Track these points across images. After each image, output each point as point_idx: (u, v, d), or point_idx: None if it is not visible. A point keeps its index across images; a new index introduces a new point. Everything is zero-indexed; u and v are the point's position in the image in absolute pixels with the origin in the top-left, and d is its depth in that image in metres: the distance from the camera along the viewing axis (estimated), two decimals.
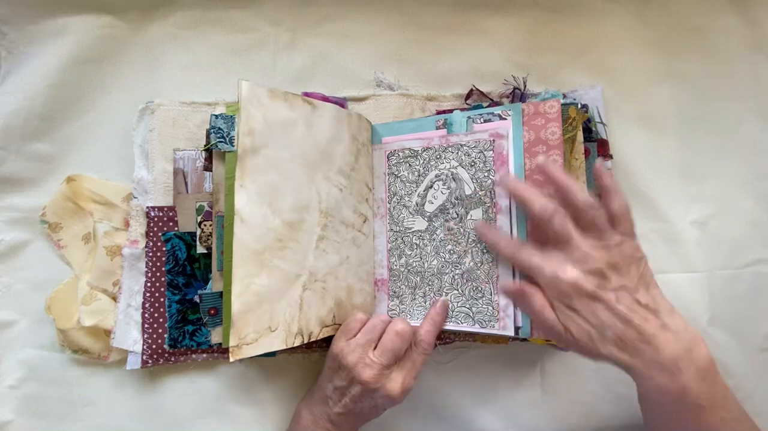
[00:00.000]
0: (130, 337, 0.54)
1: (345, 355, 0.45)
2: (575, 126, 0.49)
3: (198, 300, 0.48)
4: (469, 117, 0.50)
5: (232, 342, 0.42)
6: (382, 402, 0.46)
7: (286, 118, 0.46)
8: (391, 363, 0.45)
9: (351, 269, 0.50)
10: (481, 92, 0.57)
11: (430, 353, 0.47)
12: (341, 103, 0.55)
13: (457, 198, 0.49)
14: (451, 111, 0.55)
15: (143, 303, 0.54)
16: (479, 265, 0.48)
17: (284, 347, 0.45)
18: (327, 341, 0.50)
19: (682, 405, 0.39)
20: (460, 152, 0.49)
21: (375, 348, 0.45)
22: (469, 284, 0.48)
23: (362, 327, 0.47)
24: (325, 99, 0.52)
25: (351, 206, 0.50)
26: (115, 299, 0.55)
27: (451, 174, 0.50)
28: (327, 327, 0.48)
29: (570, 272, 0.40)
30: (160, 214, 0.54)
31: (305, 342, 0.46)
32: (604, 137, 0.55)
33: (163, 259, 0.54)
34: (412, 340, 0.46)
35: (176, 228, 0.54)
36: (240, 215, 0.43)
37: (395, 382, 0.45)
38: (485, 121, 0.49)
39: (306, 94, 0.54)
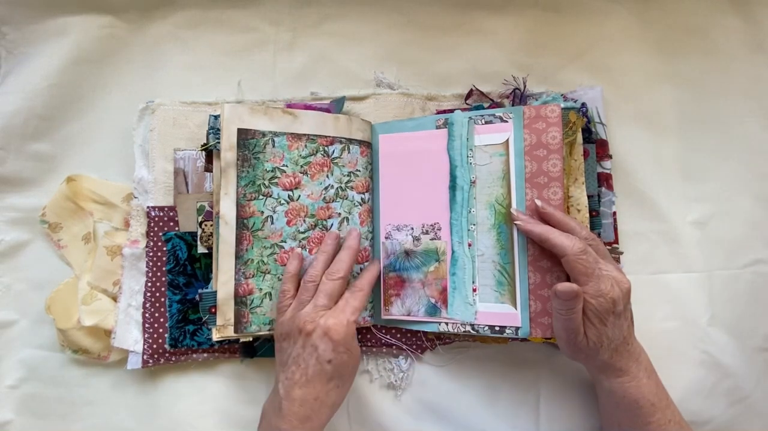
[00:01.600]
0: (131, 337, 0.54)
1: (281, 324, 0.46)
2: (575, 131, 0.49)
3: (198, 299, 0.48)
4: (470, 118, 0.50)
5: (219, 322, 0.47)
6: (323, 349, 0.43)
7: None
8: (324, 302, 0.45)
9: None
10: (481, 92, 0.57)
11: (356, 286, 0.47)
12: (327, 108, 0.55)
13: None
14: (451, 111, 0.55)
15: (144, 303, 0.54)
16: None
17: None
18: None
19: (637, 405, 0.45)
20: None
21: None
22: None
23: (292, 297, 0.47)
24: (309, 107, 0.53)
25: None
26: (115, 299, 0.55)
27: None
28: None
29: (615, 292, 0.43)
30: (161, 214, 0.54)
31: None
32: (604, 138, 0.56)
33: (164, 259, 0.54)
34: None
35: (177, 228, 0.54)
36: (224, 219, 0.47)
37: (331, 318, 0.44)
38: (486, 122, 0.50)
39: (289, 105, 0.54)
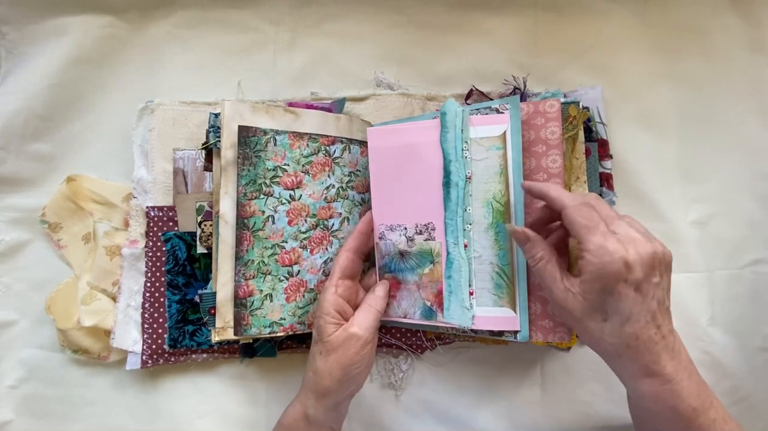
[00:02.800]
0: (130, 337, 0.54)
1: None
2: (576, 125, 0.48)
3: (198, 300, 0.48)
4: (464, 110, 0.47)
5: (218, 325, 0.46)
6: (315, 321, 0.45)
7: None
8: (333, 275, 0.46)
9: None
10: (481, 92, 0.57)
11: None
12: (329, 108, 0.55)
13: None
14: None
15: (143, 303, 0.54)
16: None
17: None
18: None
19: (675, 412, 0.37)
20: None
21: None
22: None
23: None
24: (311, 107, 0.53)
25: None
26: (114, 299, 0.55)
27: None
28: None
29: (631, 254, 0.35)
30: (160, 214, 0.54)
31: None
32: (604, 137, 0.56)
33: (163, 259, 0.54)
34: None
35: (176, 228, 0.54)
36: (224, 218, 0.46)
37: (327, 291, 0.45)
38: (482, 114, 0.47)
39: (290, 104, 0.54)
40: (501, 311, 0.46)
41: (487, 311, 0.47)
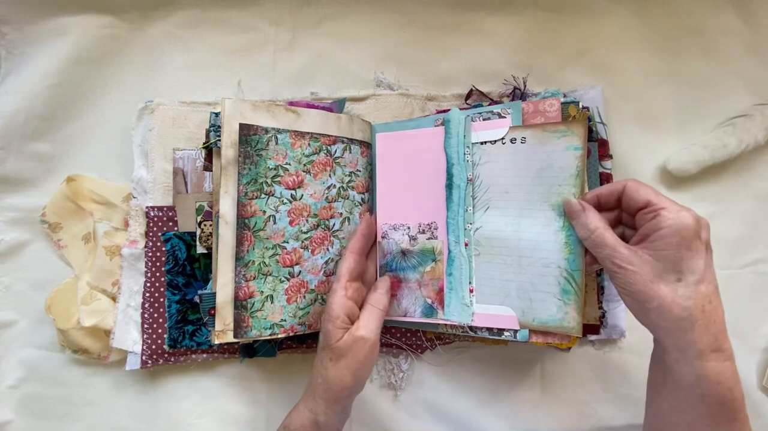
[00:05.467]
0: (130, 337, 0.54)
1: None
2: None
3: (198, 301, 0.48)
4: (467, 115, 0.49)
5: (217, 327, 0.45)
6: (324, 326, 0.44)
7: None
8: (341, 278, 0.45)
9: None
10: (481, 92, 0.57)
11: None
12: (330, 108, 0.55)
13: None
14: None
15: (143, 303, 0.54)
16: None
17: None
18: None
19: (730, 396, 0.36)
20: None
21: None
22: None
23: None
24: (311, 106, 0.53)
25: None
26: (114, 299, 0.55)
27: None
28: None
29: (700, 216, 0.37)
30: (160, 214, 0.54)
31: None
32: (604, 137, 0.55)
33: (163, 259, 0.54)
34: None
35: (176, 228, 0.54)
36: (224, 218, 0.46)
37: (336, 294, 0.44)
38: (484, 119, 0.49)
39: (291, 103, 0.54)
40: (501, 310, 0.47)
41: (487, 309, 0.48)
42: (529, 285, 0.46)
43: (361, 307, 0.46)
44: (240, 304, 0.46)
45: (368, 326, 0.44)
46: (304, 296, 0.49)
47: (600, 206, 0.43)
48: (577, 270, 0.44)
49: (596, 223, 0.40)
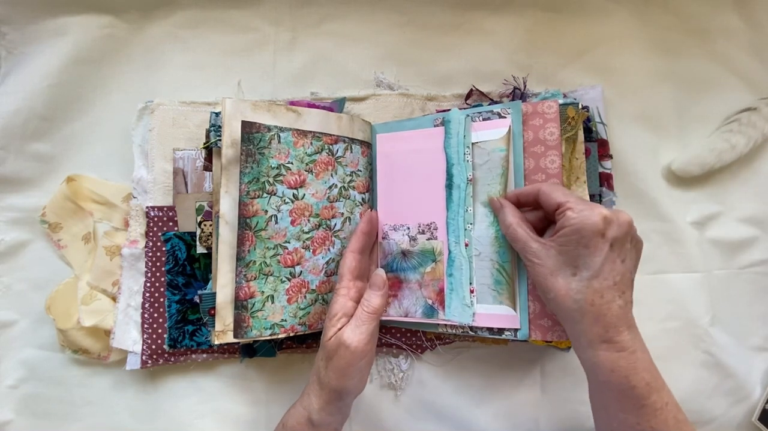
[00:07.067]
0: (130, 337, 0.54)
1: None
2: (574, 126, 0.49)
3: (198, 301, 0.48)
4: (467, 115, 0.49)
5: (217, 328, 0.45)
6: (325, 323, 0.45)
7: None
8: (343, 278, 0.46)
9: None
10: (481, 92, 0.57)
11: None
12: (330, 108, 0.55)
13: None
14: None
15: (143, 303, 0.54)
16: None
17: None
18: None
19: (629, 385, 0.38)
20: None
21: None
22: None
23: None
24: (312, 106, 0.53)
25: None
26: (114, 299, 0.55)
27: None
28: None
29: (607, 213, 0.38)
30: (160, 214, 0.54)
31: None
32: (604, 137, 0.55)
33: (163, 259, 0.54)
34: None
35: (176, 228, 0.54)
36: (224, 218, 0.46)
37: (337, 294, 0.45)
38: (484, 119, 0.49)
39: (292, 103, 0.54)
40: (501, 309, 0.47)
41: (488, 309, 0.48)
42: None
43: None
44: (240, 304, 0.46)
45: (353, 331, 0.43)
46: (305, 297, 0.49)
47: (520, 204, 0.46)
48: (507, 262, 0.47)
49: (510, 219, 0.44)
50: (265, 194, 0.47)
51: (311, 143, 0.49)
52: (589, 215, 0.38)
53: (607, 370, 0.38)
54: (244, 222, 0.46)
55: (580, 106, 0.49)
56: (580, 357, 0.41)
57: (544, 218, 0.45)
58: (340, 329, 0.44)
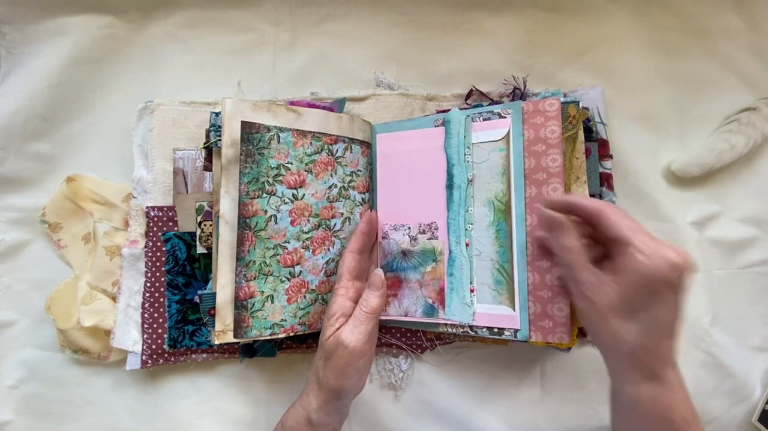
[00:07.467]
0: (130, 337, 0.54)
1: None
2: (575, 125, 0.48)
3: (198, 301, 0.48)
4: (468, 116, 0.50)
5: (217, 328, 0.45)
6: (324, 323, 0.45)
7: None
8: (342, 278, 0.46)
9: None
10: (481, 92, 0.57)
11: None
12: (330, 108, 0.55)
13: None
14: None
15: (143, 303, 0.54)
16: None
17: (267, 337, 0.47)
18: None
19: (668, 421, 0.37)
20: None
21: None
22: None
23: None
24: (312, 106, 0.53)
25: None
26: (114, 299, 0.55)
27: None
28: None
29: (680, 255, 0.35)
30: (160, 214, 0.54)
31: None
32: (604, 137, 0.55)
33: (163, 259, 0.54)
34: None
35: (176, 228, 0.54)
36: (224, 218, 0.46)
37: (336, 294, 0.45)
38: (485, 119, 0.49)
39: (292, 103, 0.54)
40: (501, 309, 0.47)
41: (488, 309, 0.48)
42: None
43: None
44: (240, 304, 0.46)
45: (352, 331, 0.43)
46: (305, 296, 0.49)
47: (570, 213, 0.42)
48: (507, 262, 0.47)
49: (573, 242, 0.40)
50: (264, 194, 0.47)
51: (311, 143, 0.49)
52: (662, 264, 0.34)
53: (647, 405, 0.37)
54: (243, 222, 0.46)
55: (580, 106, 0.49)
56: (616, 388, 0.40)
57: (592, 234, 0.41)
58: (338, 329, 0.44)
